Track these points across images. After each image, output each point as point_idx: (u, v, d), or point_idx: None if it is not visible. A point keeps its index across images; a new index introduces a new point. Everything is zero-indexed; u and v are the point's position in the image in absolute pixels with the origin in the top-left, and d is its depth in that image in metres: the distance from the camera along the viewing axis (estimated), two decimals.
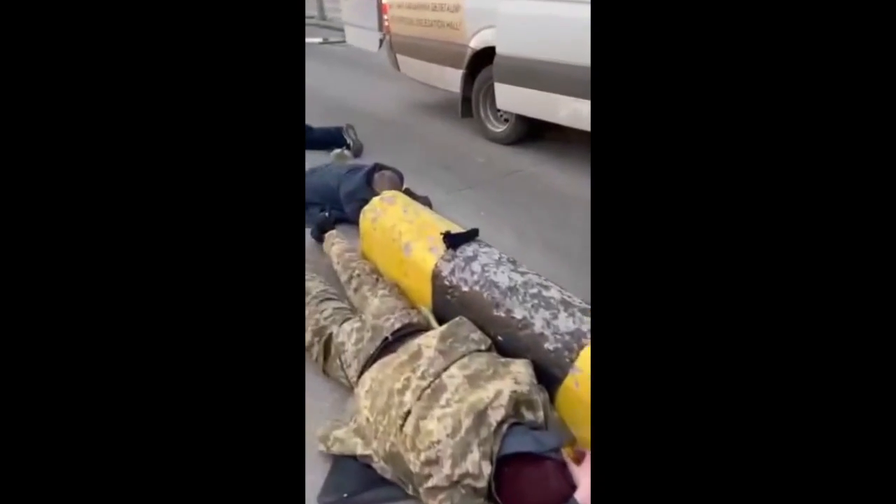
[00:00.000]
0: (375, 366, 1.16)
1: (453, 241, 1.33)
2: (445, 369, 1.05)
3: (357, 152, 2.91)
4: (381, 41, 3.84)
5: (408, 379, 1.05)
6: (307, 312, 1.42)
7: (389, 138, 3.28)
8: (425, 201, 2.12)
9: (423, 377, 1.04)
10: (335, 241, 1.79)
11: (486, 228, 1.74)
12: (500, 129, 3.08)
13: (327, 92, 4.73)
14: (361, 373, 1.19)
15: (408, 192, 2.11)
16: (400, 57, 3.67)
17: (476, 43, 2.87)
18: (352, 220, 2.07)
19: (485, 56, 2.85)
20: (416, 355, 1.10)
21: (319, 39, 9.38)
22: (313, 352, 1.33)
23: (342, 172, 2.17)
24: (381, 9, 3.70)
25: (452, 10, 2.94)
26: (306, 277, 1.55)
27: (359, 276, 1.57)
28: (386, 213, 1.62)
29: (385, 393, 1.05)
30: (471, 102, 3.18)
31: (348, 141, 2.91)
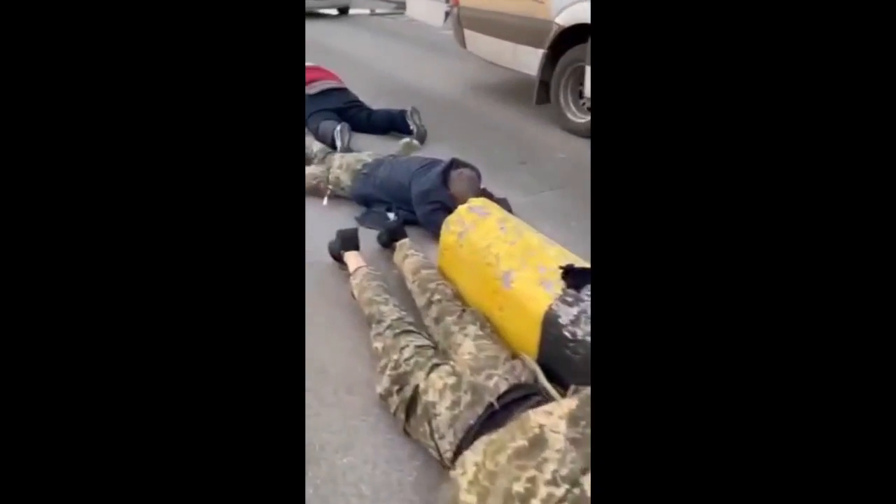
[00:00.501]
0: (479, 444, 0.90)
1: (579, 280, 1.04)
2: (584, 472, 0.77)
3: (421, 139, 2.62)
4: (447, 14, 3.50)
5: (532, 480, 0.78)
6: (381, 345, 1.18)
7: (452, 125, 2.97)
8: (504, 204, 1.83)
9: (555, 481, 0.77)
10: (408, 254, 1.53)
11: (578, 243, 1.45)
12: (582, 119, 2.71)
13: (380, 68, 4.43)
14: (459, 448, 0.93)
15: (484, 194, 1.82)
16: (468, 32, 3.31)
17: (564, 19, 2.49)
18: (423, 225, 1.81)
19: (573, 35, 2.48)
20: (539, 442, 0.83)
21: (367, 10, 9.01)
22: (391, 403, 1.08)
23: (413, 167, 1.89)
24: None
25: None
26: (379, 299, 1.30)
27: (439, 301, 1.30)
28: (477, 229, 1.33)
29: (500, 495, 0.79)
30: (548, 87, 2.81)
31: (411, 126, 2.62)
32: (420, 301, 1.35)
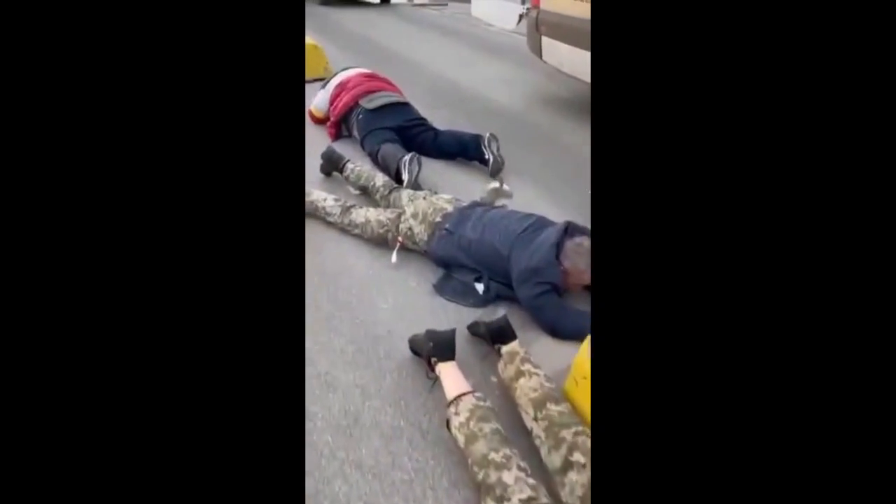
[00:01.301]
0: None
1: None
2: None
3: (496, 172, 2.22)
4: (522, 17, 3.07)
5: None
6: None
7: (522, 145, 2.57)
8: None
9: None
10: (526, 370, 1.11)
11: None
12: None
13: (431, 69, 4.02)
14: None
15: None
16: (547, 41, 2.88)
17: None
18: (525, 308, 1.41)
19: None
20: None
21: (407, 0, 8.53)
22: None
23: (513, 229, 1.48)
24: None
25: None
26: (499, 459, 0.92)
27: (585, 467, 0.91)
28: None
29: None
30: None
31: (487, 156, 2.22)
32: (554, 460, 0.95)
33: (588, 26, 2.50)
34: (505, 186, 1.75)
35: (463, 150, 2.32)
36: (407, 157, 1.99)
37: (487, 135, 2.21)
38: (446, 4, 7.86)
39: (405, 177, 1.98)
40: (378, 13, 6.82)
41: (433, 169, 2.29)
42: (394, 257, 1.64)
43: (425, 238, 1.61)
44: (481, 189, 1.82)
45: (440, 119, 2.87)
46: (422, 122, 2.48)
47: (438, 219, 1.61)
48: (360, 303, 1.50)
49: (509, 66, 4.17)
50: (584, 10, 2.49)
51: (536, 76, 3.80)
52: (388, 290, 1.55)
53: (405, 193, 1.85)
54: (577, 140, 2.72)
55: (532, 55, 3.09)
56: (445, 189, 2.14)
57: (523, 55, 4.54)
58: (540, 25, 2.87)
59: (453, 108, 3.17)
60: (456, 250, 1.54)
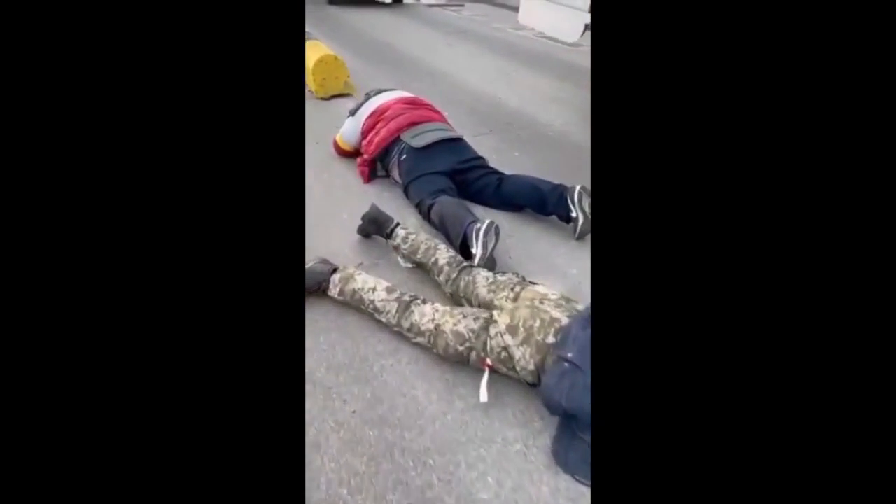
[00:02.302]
0: None
1: None
2: None
3: (583, 235, 1.72)
4: (588, 27, 2.55)
5: None
6: None
7: (577, 172, 2.05)
8: None
9: None
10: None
11: None
12: None
13: (467, 83, 3.50)
14: None
15: None
16: None
17: None
18: None
19: None
20: None
21: (430, 0, 7.96)
22: None
23: None
24: None
25: None
26: None
27: None
28: None
29: None
30: None
31: (574, 213, 1.71)
32: None
33: None
34: None
35: (539, 202, 1.80)
36: (482, 226, 1.47)
37: (578, 188, 1.69)
38: (463, 5, 7.34)
39: (476, 251, 1.47)
40: (391, 14, 6.29)
41: (512, 223, 1.78)
42: (483, 393, 1.12)
43: (531, 367, 1.10)
44: (566, 255, 1.30)
45: (488, 148, 2.35)
46: (480, 164, 1.96)
47: (551, 338, 1.09)
48: (440, 480, 0.99)
49: (557, 81, 3.64)
50: None
51: (583, 92, 3.28)
52: (478, 450, 1.04)
53: (481, 278, 1.34)
54: None
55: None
56: (521, 260, 1.63)
57: (571, 67, 4.04)
58: None
59: (502, 135, 2.66)
60: (585, 394, 1.03)
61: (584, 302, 1.28)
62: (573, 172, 2.24)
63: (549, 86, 3.55)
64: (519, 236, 1.76)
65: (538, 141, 2.62)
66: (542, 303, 1.17)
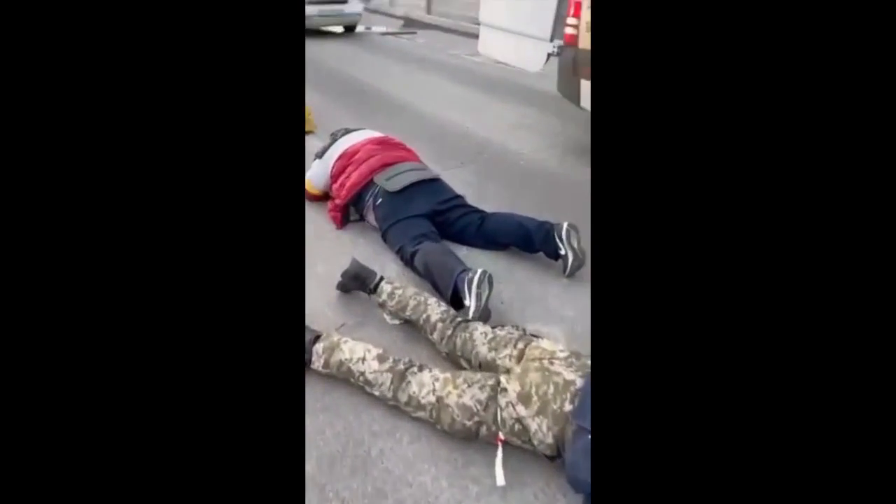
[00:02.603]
0: None
1: None
2: None
3: (574, 272, 1.66)
4: (552, 56, 2.56)
5: None
6: None
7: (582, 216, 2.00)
8: None
9: None
10: None
11: None
12: None
13: (433, 114, 3.43)
14: None
15: None
16: (587, 86, 2.38)
17: None
18: None
19: None
20: None
21: (382, 28, 7.97)
22: None
23: None
24: (563, 9, 2.41)
25: None
26: None
27: None
28: None
29: None
30: None
31: (563, 250, 1.64)
32: None
33: None
34: None
35: (525, 241, 1.72)
36: (474, 276, 1.37)
37: (565, 225, 1.64)
38: (416, 32, 7.40)
39: (470, 303, 1.36)
40: (344, 43, 6.23)
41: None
42: (499, 474, 1.00)
43: (549, 440, 1.00)
44: (560, 295, 1.22)
45: (461, 182, 2.29)
46: (460, 202, 1.88)
47: (568, 405, 1.00)
48: None
49: (521, 107, 3.65)
50: None
51: (562, 121, 3.28)
52: None
53: (479, 335, 1.24)
54: None
55: (559, 98, 2.60)
56: (514, 304, 1.54)
57: (532, 91, 4.06)
58: (580, 68, 2.38)
59: (474, 167, 2.60)
60: None
61: (586, 361, 1.20)
62: (552, 202, 2.21)
63: (513, 112, 3.55)
64: (508, 278, 1.68)
65: (512, 171, 2.58)
66: (551, 363, 1.08)
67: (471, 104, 3.74)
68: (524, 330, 1.25)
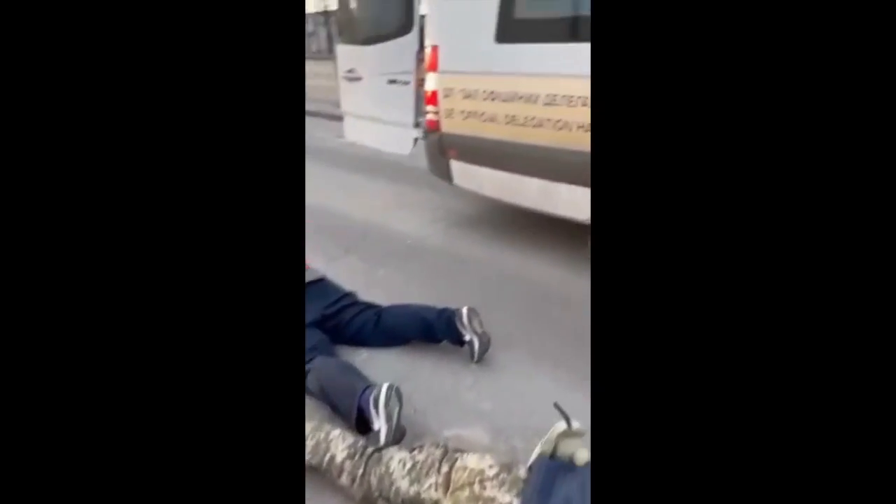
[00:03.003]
0: None
1: None
2: None
3: (481, 356, 1.60)
4: (418, 141, 2.66)
5: None
6: None
7: (478, 292, 1.99)
8: None
9: None
10: None
11: None
12: None
13: (310, 200, 3.26)
14: None
15: None
16: (457, 165, 2.49)
17: None
18: None
19: None
20: None
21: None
22: None
23: None
24: (420, 98, 2.54)
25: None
26: None
27: None
28: None
29: None
30: None
31: (467, 336, 1.58)
32: None
33: (519, 150, 2.19)
34: (575, 423, 1.10)
35: (427, 332, 1.63)
36: (380, 394, 1.21)
37: (465, 311, 1.59)
38: None
39: (380, 426, 1.20)
40: None
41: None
42: None
43: None
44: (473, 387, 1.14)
45: (349, 271, 2.17)
46: (351, 301, 1.74)
47: None
48: None
49: (401, 186, 3.67)
50: (515, 134, 2.18)
51: (439, 195, 3.36)
52: None
53: (397, 464, 1.07)
54: (515, 266, 2.30)
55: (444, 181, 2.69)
56: (427, 408, 1.41)
57: (403, 169, 4.16)
58: (446, 149, 2.49)
59: (360, 253, 2.50)
60: None
61: (517, 456, 1.11)
62: (446, 281, 2.18)
63: (389, 191, 3.58)
64: (415, 377, 1.55)
65: (399, 252, 2.53)
66: (483, 486, 0.97)
67: (344, 186, 3.70)
68: (445, 446, 1.12)
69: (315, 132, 6.08)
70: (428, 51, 2.40)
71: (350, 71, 2.84)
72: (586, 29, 1.94)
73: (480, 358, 1.60)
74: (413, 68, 2.49)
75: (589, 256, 2.20)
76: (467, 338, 1.59)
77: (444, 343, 1.66)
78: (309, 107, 7.83)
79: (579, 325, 1.84)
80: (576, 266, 2.28)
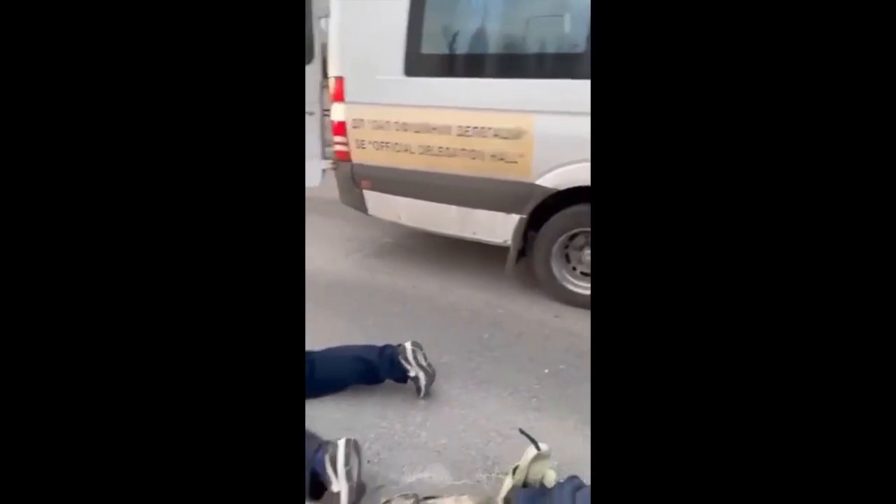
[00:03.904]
0: None
1: None
2: None
3: (429, 385, 1.56)
4: (325, 171, 2.56)
5: None
6: None
7: (378, 314, 1.98)
8: None
9: None
10: None
11: None
12: (583, 288, 2.20)
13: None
14: None
15: None
16: (370, 195, 2.45)
17: (553, 182, 2.00)
18: None
19: (564, 199, 2.01)
20: None
21: None
22: None
23: None
24: (323, 130, 2.46)
25: (509, 136, 2.01)
26: None
27: None
28: None
29: None
30: (524, 256, 2.23)
31: (412, 372, 1.53)
32: None
33: (434, 178, 2.23)
34: (543, 445, 1.12)
35: (369, 375, 1.55)
36: (336, 452, 1.11)
37: (409, 346, 1.54)
38: None
39: (339, 487, 1.10)
40: None
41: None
42: None
43: None
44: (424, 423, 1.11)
45: None
46: None
47: None
48: None
49: (310, 217, 3.44)
50: (427, 164, 2.21)
51: (350, 225, 3.25)
52: None
53: None
54: (466, 296, 2.33)
55: (339, 204, 2.61)
56: (384, 457, 1.34)
57: (313, 201, 3.92)
58: (359, 180, 2.44)
59: None
60: None
61: (483, 489, 1.10)
62: (371, 316, 2.11)
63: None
64: (361, 425, 1.46)
65: (316, 290, 2.37)
66: None
67: None
68: (416, 496, 1.07)
69: None
70: (332, 81, 2.35)
71: None
72: (492, 65, 2.08)
73: (427, 392, 1.57)
74: (317, 99, 2.41)
75: (507, 277, 2.32)
76: (412, 374, 1.55)
77: (388, 382, 1.60)
78: None
79: (513, 345, 1.92)
80: (498, 288, 2.38)
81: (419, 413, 1.53)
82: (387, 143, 2.30)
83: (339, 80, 2.32)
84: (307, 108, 2.44)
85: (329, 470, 1.11)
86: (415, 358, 1.54)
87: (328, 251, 2.85)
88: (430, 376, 1.57)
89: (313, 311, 2.17)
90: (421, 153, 2.23)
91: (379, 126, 2.30)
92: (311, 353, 1.62)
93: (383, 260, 2.76)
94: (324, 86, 2.46)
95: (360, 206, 2.53)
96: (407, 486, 1.24)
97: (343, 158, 2.45)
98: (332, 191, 2.71)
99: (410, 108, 2.18)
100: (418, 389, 1.56)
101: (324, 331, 1.92)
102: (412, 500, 1.06)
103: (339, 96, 2.34)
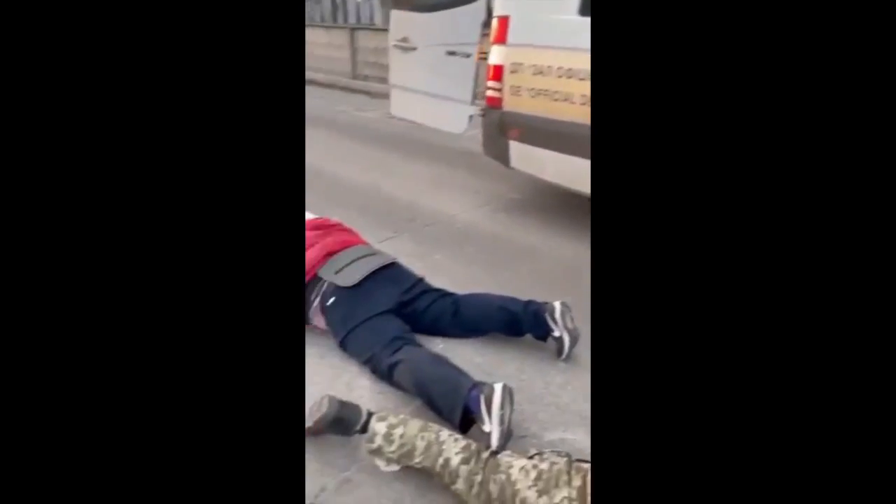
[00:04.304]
0: None
1: None
2: None
3: (571, 348, 1.50)
4: (474, 118, 2.51)
5: None
6: None
7: (510, 268, 1.87)
8: None
9: None
10: None
11: None
12: None
13: (345, 179, 3.13)
14: None
15: None
16: (516, 146, 2.35)
17: None
18: None
19: None
20: None
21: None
22: None
23: None
24: (477, 73, 2.38)
25: None
26: None
27: None
28: None
29: None
30: None
31: (557, 332, 1.48)
32: None
33: (584, 130, 2.06)
34: None
35: (511, 325, 1.52)
36: (492, 394, 1.11)
37: (559, 305, 1.48)
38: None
39: (491, 428, 1.10)
40: None
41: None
42: None
43: None
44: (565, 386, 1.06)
45: (404, 255, 2.02)
46: (426, 288, 1.62)
47: None
48: None
49: (437, 167, 3.50)
50: (580, 113, 2.05)
51: (478, 178, 3.20)
52: None
53: (519, 472, 0.98)
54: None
55: (467, 154, 2.55)
56: (522, 409, 1.30)
57: (440, 150, 3.96)
58: (508, 129, 2.35)
59: (411, 235, 2.37)
60: None
61: None
62: (506, 270, 2.07)
63: (426, 171, 3.42)
64: (501, 374, 1.44)
65: (451, 236, 2.40)
66: None
67: (380, 164, 3.53)
68: (568, 456, 1.03)
69: (335, 105, 5.86)
70: (495, 22, 2.24)
71: (403, 40, 2.66)
72: None
73: (569, 355, 1.51)
74: (477, 39, 2.32)
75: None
76: (557, 334, 1.48)
77: (527, 338, 1.56)
78: (326, 77, 7.56)
79: None
80: None
81: (559, 374, 1.47)
82: (546, 90, 2.15)
83: (503, 19, 2.21)
84: (463, 49, 2.36)
85: (483, 410, 1.11)
86: (563, 318, 1.47)
87: (458, 201, 2.85)
88: (574, 339, 1.48)
89: (447, 257, 2.23)
90: (583, 104, 2.05)
91: (539, 71, 2.15)
92: (453, 294, 1.64)
93: (512, 215, 2.68)
94: (484, 33, 2.35)
95: (503, 157, 2.45)
96: (548, 444, 1.20)
97: (494, 105, 2.37)
98: (459, 141, 2.66)
99: (581, 53, 2.00)
100: (559, 350, 1.49)
101: (459, 276, 1.93)
102: (566, 459, 1.02)
103: (501, 37, 2.23)
